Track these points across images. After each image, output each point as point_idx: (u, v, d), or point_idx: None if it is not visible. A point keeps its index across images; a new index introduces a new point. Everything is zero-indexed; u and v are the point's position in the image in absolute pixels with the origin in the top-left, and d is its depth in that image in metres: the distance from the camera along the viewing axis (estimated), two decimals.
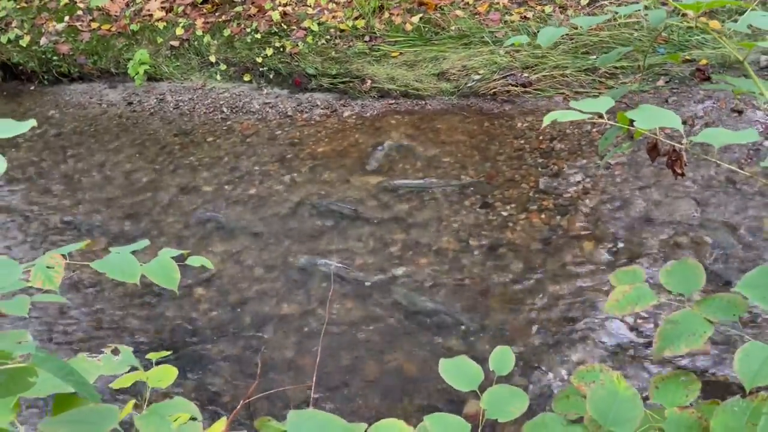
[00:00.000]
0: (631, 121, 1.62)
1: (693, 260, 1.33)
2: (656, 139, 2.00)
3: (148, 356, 1.54)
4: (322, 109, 5.23)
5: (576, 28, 4.63)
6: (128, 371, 1.12)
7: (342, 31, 5.73)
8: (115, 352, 1.09)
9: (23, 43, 6.35)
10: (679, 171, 2.04)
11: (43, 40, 6.35)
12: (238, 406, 1.29)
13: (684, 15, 1.83)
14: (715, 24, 4.36)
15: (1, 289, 1.07)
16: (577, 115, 1.24)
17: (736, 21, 1.45)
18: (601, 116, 1.26)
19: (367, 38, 5.66)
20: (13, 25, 6.55)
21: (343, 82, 5.40)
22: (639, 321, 2.94)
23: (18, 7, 6.70)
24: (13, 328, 3.28)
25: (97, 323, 3.45)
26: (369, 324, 3.20)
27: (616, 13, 1.74)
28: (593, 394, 1.16)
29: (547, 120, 1.23)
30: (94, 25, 6.36)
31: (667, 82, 4.67)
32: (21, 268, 0.98)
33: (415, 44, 5.50)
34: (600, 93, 4.68)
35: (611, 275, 1.38)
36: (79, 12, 6.49)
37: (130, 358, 1.09)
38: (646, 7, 1.80)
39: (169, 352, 1.73)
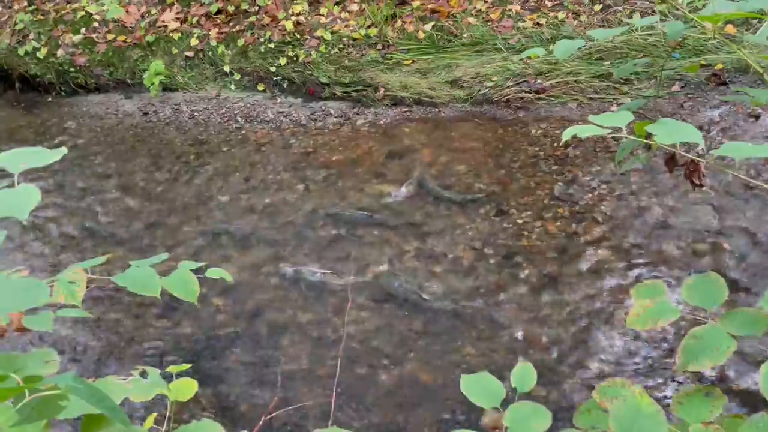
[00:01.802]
0: (648, 132, 1.61)
1: (715, 274, 1.32)
2: (674, 151, 1.98)
3: (168, 369, 1.55)
4: (335, 117, 5.25)
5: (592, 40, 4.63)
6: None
7: (355, 39, 5.75)
8: (144, 374, 1.10)
9: (40, 55, 6.44)
10: (697, 182, 2.03)
11: (60, 52, 6.43)
12: (260, 422, 1.30)
13: (697, 24, 1.82)
14: (730, 29, 4.33)
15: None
16: (597, 130, 1.24)
17: (751, 27, 1.44)
18: (620, 130, 1.26)
19: (379, 46, 5.68)
20: (31, 37, 6.64)
21: (356, 91, 5.42)
22: (658, 331, 2.91)
23: (35, 19, 6.79)
24: (35, 338, 3.32)
25: (116, 332, 3.47)
26: (384, 332, 3.20)
27: (633, 24, 1.73)
28: (616, 410, 1.15)
29: (566, 135, 1.23)
30: (110, 36, 6.43)
31: (682, 87, 4.64)
32: (47, 287, 0.99)
33: (428, 52, 5.51)
34: (615, 98, 4.66)
35: (632, 289, 1.37)
36: (96, 24, 6.57)
37: (158, 380, 1.10)
38: (663, 17, 1.79)
39: (189, 366, 1.74)
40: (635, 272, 3.29)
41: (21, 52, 6.51)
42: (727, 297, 1.33)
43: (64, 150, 0.87)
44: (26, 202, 0.78)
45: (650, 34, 4.90)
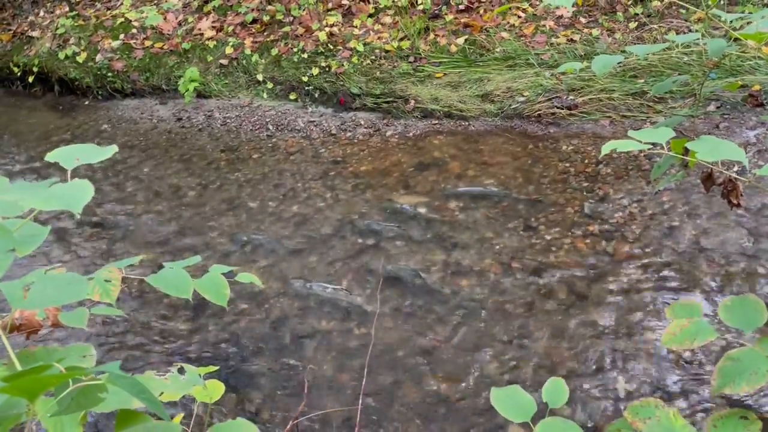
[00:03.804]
0: (686, 149, 1.59)
1: (754, 296, 1.29)
2: (711, 169, 1.95)
3: (197, 370, 1.57)
4: (365, 128, 5.27)
5: (628, 53, 4.59)
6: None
7: (387, 51, 5.79)
8: (181, 371, 1.12)
9: (80, 59, 6.60)
10: (734, 201, 2.00)
11: (98, 57, 6.59)
12: (288, 426, 1.30)
13: (737, 41, 1.80)
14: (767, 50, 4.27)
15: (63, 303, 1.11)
16: (637, 144, 1.23)
17: None
18: (660, 146, 1.24)
19: (411, 59, 5.71)
20: (71, 41, 6.82)
21: (386, 102, 5.45)
22: (686, 352, 2.86)
23: (76, 24, 6.98)
24: (65, 336, 3.38)
25: (141, 335, 3.51)
26: (408, 345, 3.19)
27: (673, 41, 1.72)
28: (650, 431, 1.13)
29: (606, 149, 1.22)
30: (148, 43, 6.57)
31: (718, 107, 4.57)
32: (88, 282, 1.01)
33: (460, 65, 5.52)
34: (648, 117, 4.61)
35: (667, 308, 1.35)
36: (134, 30, 6.72)
37: (196, 377, 1.11)
38: (702, 35, 1.78)
39: (216, 368, 1.76)
40: (665, 293, 3.23)
41: (61, 55, 6.68)
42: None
43: (115, 148, 0.89)
44: (80, 196, 0.81)
45: (686, 53, 4.84)
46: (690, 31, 5.07)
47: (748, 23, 1.62)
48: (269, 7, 6.44)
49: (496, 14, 5.69)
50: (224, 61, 6.18)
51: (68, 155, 0.87)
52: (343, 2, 6.36)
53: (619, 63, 4.91)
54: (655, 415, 1.20)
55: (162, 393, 1.04)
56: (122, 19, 6.85)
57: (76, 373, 0.65)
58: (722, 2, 4.94)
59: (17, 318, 1.69)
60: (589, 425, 2.64)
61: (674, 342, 1.25)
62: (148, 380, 1.03)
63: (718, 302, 3.08)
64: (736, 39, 1.62)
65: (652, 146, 1.30)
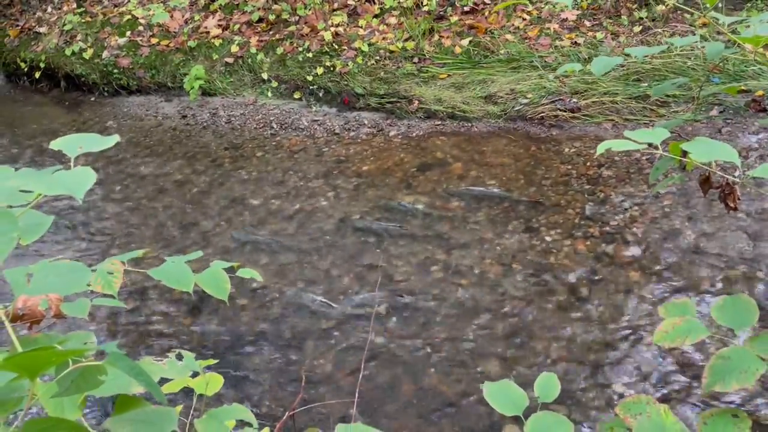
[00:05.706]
0: (684, 152, 1.61)
1: (746, 296, 1.31)
2: (709, 172, 1.97)
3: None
4: (368, 128, 5.30)
5: (629, 56, 4.61)
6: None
7: (391, 52, 5.81)
8: (179, 357, 1.14)
9: (86, 55, 6.64)
10: (732, 205, 2.02)
11: (105, 54, 6.63)
12: (285, 417, 1.32)
13: (739, 46, 1.82)
14: None
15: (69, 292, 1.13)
16: (632, 145, 1.24)
17: None
18: (655, 147, 1.26)
19: (416, 60, 5.73)
20: (78, 38, 6.86)
21: (390, 102, 5.47)
22: (685, 354, 2.87)
23: (83, 21, 7.02)
24: (67, 327, 3.40)
25: (143, 328, 3.54)
26: (407, 343, 3.20)
27: (671, 44, 1.73)
28: (640, 426, 1.15)
29: (601, 148, 1.24)
30: (154, 40, 6.61)
31: (720, 112, 4.58)
32: (90, 270, 1.04)
33: (464, 67, 5.54)
34: (651, 121, 4.62)
35: (660, 306, 1.36)
36: (140, 28, 6.76)
37: (193, 363, 1.13)
38: (702, 39, 1.79)
39: (215, 360, 1.78)
40: (664, 296, 3.24)
41: (68, 52, 6.72)
42: (759, 323, 1.32)
43: (117, 137, 0.91)
44: (83, 182, 0.83)
45: (689, 57, 4.85)
46: (694, 35, 5.08)
47: (746, 27, 1.63)
48: (275, 7, 6.47)
49: (498, 12, 5.71)
50: (230, 60, 6.21)
51: (71, 143, 0.89)
52: (348, 2, 6.39)
53: (621, 66, 4.93)
54: (646, 412, 1.22)
55: (164, 383, 1.06)
56: (129, 17, 6.88)
57: (76, 352, 0.67)
58: (723, 6, 4.95)
59: (20, 308, 1.71)
60: (585, 423, 2.66)
61: (666, 340, 1.27)
62: (144, 365, 1.05)
63: None
64: (736, 43, 1.63)
65: (648, 147, 1.32)
